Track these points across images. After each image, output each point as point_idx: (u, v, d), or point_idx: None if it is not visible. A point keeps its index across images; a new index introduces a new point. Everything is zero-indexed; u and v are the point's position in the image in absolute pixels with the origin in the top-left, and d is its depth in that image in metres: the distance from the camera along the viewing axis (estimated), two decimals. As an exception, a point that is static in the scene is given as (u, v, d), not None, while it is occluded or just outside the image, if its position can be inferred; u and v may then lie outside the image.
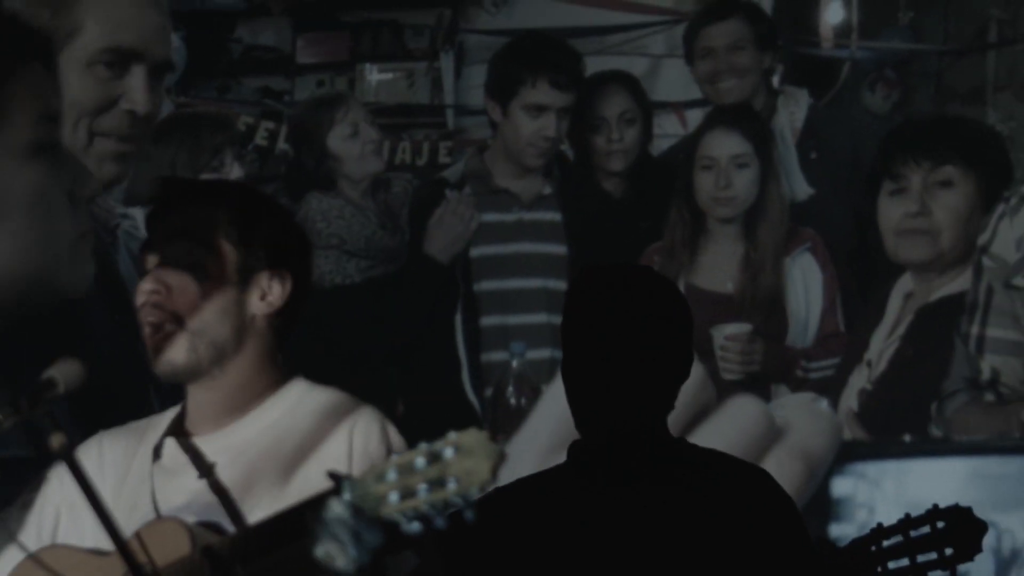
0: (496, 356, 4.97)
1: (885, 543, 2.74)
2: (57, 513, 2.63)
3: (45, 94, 2.68)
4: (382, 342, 4.95)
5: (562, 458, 2.79)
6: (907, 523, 2.74)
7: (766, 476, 2.78)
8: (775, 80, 5.65)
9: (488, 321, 5.08)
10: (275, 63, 6.86)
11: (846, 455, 4.29)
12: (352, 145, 5.19)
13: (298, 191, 5.24)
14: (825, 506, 4.25)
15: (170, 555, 2.36)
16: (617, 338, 2.66)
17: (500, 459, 1.96)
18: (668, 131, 6.10)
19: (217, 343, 2.59)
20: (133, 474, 2.65)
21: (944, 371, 4.53)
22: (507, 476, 2.98)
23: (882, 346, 4.74)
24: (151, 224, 2.68)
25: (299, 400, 2.64)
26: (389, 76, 6.62)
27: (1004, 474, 4.27)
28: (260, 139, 6.21)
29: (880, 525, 2.74)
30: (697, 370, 4.48)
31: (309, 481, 2.42)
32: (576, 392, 2.70)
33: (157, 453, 2.64)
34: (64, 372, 2.30)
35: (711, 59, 5.20)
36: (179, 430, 2.65)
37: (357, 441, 2.57)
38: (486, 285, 5.09)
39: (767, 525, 2.68)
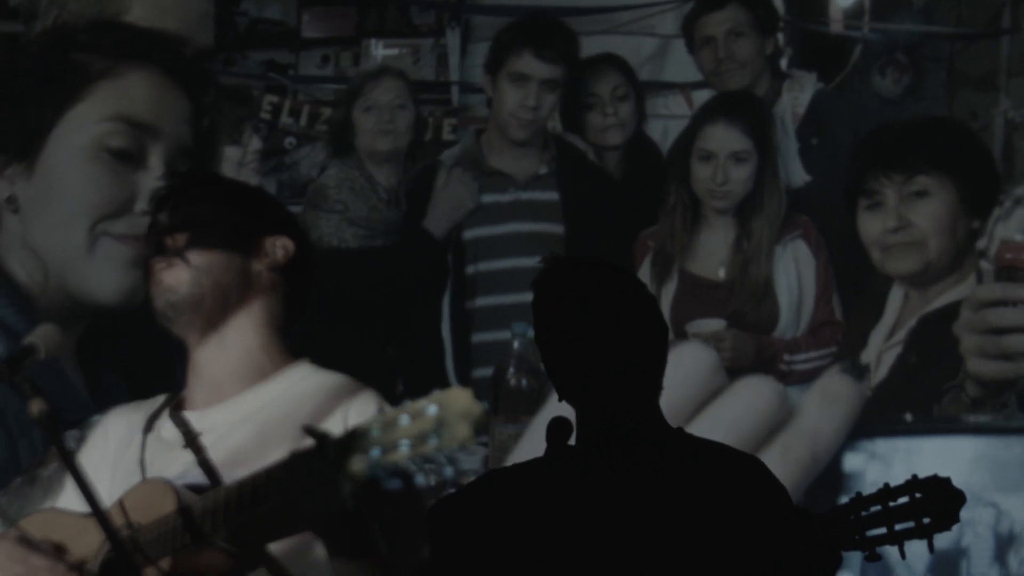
0: (491, 336, 4.99)
1: (864, 512, 2.76)
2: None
3: (132, 99, 2.67)
4: (370, 309, 4.99)
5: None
6: (886, 493, 2.76)
7: (759, 467, 2.79)
8: (783, 63, 5.62)
9: (484, 301, 5.11)
10: (280, 37, 6.82)
11: (857, 432, 4.31)
12: (365, 118, 5.29)
13: (333, 153, 5.42)
14: (836, 480, 4.25)
15: (155, 515, 2.38)
16: (597, 329, 2.70)
17: (482, 418, 1.98)
18: (675, 112, 6.06)
19: (221, 284, 2.61)
20: (133, 447, 2.67)
21: (949, 378, 4.51)
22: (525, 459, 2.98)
23: (881, 348, 4.70)
24: (156, 207, 2.70)
25: (302, 380, 2.66)
26: (394, 52, 6.58)
27: (1007, 457, 4.31)
28: (264, 113, 6.20)
29: (859, 494, 2.75)
30: (711, 356, 4.51)
31: None
32: (566, 383, 2.70)
33: (150, 426, 2.67)
34: (44, 338, 2.30)
35: (711, 48, 5.22)
36: (179, 404, 2.67)
37: (352, 422, 2.55)
38: (483, 266, 5.12)
39: (754, 516, 2.69)
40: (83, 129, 2.82)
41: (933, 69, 5.99)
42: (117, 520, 2.35)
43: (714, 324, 4.88)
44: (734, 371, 4.83)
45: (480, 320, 5.15)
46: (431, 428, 1.97)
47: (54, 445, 2.18)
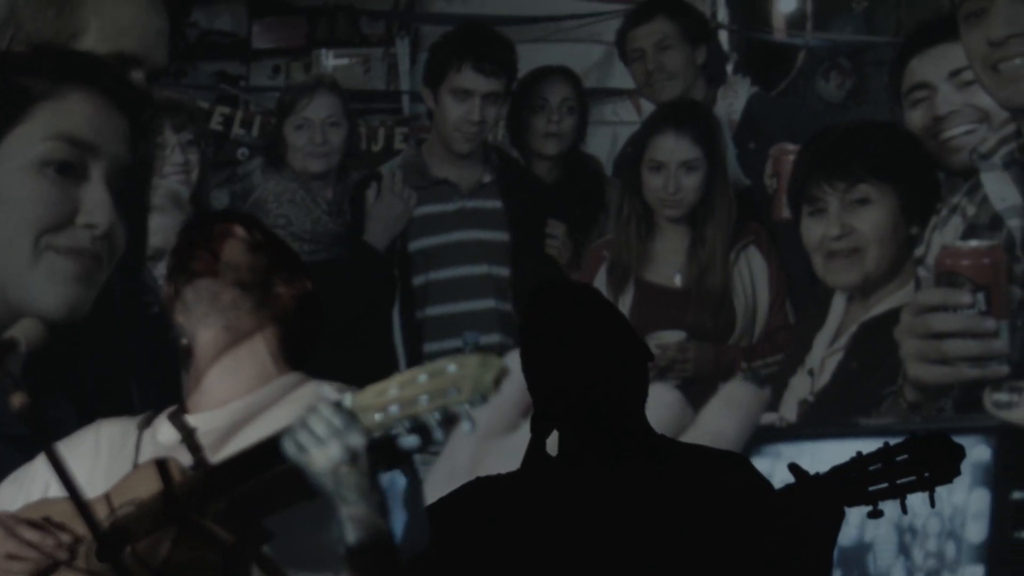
0: (443, 345, 5.01)
1: (866, 469, 2.83)
2: (46, 485, 2.63)
3: (73, 119, 2.70)
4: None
5: (504, 440, 2.85)
6: (887, 451, 2.81)
7: (745, 463, 2.86)
8: (729, 69, 5.68)
9: (434, 311, 5.12)
10: (231, 48, 6.84)
11: (763, 437, 4.40)
12: (298, 136, 5.28)
13: (268, 164, 5.37)
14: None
15: (145, 496, 2.38)
16: (587, 341, 2.79)
17: (503, 371, 1.97)
18: (624, 118, 6.12)
19: (243, 283, 2.63)
20: (126, 453, 2.66)
21: (889, 384, 4.57)
22: (446, 455, 2.99)
23: (824, 353, 4.75)
24: (194, 228, 2.75)
25: (294, 386, 2.65)
26: (345, 62, 6.61)
27: None
28: (215, 124, 6.21)
29: (860, 453, 2.82)
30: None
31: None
32: (553, 391, 2.78)
33: (146, 424, 2.68)
34: (25, 331, 2.30)
35: (641, 61, 5.27)
36: (177, 409, 2.67)
37: (296, 405, 2.53)
38: (432, 275, 5.13)
39: (744, 509, 2.74)
40: (26, 147, 2.83)
41: (875, 73, 6.06)
42: (102, 508, 2.36)
43: (675, 335, 4.93)
44: (695, 381, 4.89)
45: (431, 330, 5.16)
46: (450, 383, 1.97)
47: (35, 437, 2.18)
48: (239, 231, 2.69)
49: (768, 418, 4.72)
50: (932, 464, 2.81)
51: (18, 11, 3.12)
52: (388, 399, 2.02)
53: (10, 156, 2.82)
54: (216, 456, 2.53)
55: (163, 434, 2.66)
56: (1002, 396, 4.46)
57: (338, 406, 2.07)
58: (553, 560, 2.69)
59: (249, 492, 2.25)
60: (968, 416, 4.51)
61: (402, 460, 2.09)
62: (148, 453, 2.62)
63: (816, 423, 4.67)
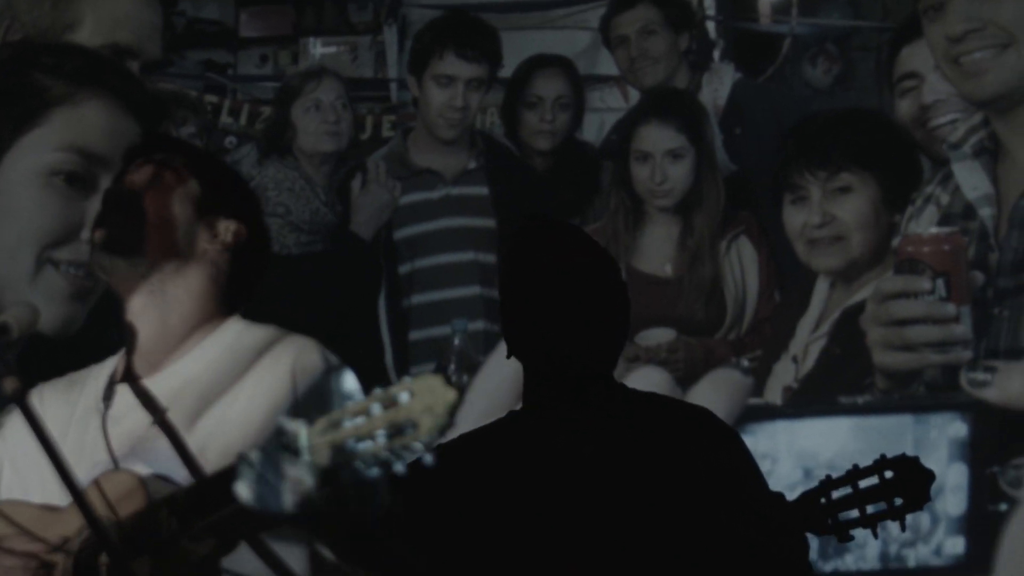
0: (429, 332, 5.03)
1: (834, 495, 2.78)
2: (9, 463, 2.64)
3: (87, 129, 2.69)
4: (306, 317, 4.97)
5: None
6: (855, 474, 2.78)
7: (712, 415, 2.85)
8: (716, 55, 5.70)
9: (420, 299, 5.14)
10: (218, 36, 6.83)
11: (744, 417, 4.45)
12: (309, 119, 5.29)
13: (266, 153, 5.36)
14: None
15: (125, 506, 2.37)
16: (559, 289, 2.74)
17: (457, 401, 1.96)
18: (611, 105, 6.12)
19: (162, 250, 2.61)
20: (76, 423, 2.65)
21: (870, 370, 4.61)
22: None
23: (808, 339, 4.78)
24: (126, 159, 2.71)
25: (237, 337, 2.66)
26: (333, 50, 6.61)
27: (881, 427, 4.47)
28: (202, 113, 6.20)
29: (828, 477, 2.78)
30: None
31: (252, 418, 2.50)
32: (527, 333, 2.76)
33: (107, 399, 2.65)
34: (18, 317, 2.30)
35: (625, 47, 5.29)
36: (126, 375, 2.65)
37: (300, 379, 2.59)
38: (418, 263, 5.15)
39: (719, 458, 2.75)
40: (37, 155, 2.83)
41: (862, 59, 6.08)
42: (97, 509, 2.33)
43: (664, 334, 4.93)
44: (688, 378, 4.90)
45: (417, 317, 5.18)
46: (406, 417, 1.96)
47: (28, 424, 2.18)
48: (168, 178, 2.63)
49: (754, 403, 4.77)
50: (902, 490, 2.77)
51: (14, 2, 3.12)
52: (343, 434, 2.00)
53: (20, 162, 2.81)
54: (172, 416, 2.52)
55: (119, 405, 2.63)
56: (977, 375, 4.51)
57: (290, 448, 2.05)
58: (521, 522, 2.68)
59: (221, 520, 2.25)
60: (945, 394, 4.56)
61: (367, 488, 2.08)
62: (109, 429, 2.60)
63: (793, 404, 4.72)
